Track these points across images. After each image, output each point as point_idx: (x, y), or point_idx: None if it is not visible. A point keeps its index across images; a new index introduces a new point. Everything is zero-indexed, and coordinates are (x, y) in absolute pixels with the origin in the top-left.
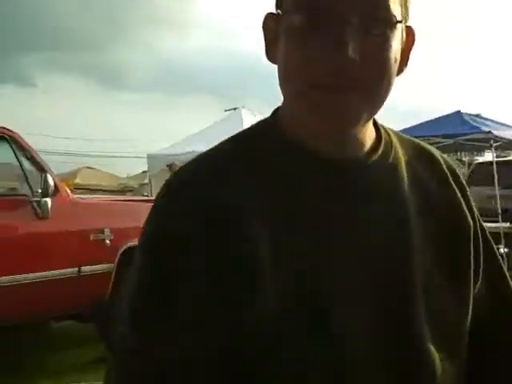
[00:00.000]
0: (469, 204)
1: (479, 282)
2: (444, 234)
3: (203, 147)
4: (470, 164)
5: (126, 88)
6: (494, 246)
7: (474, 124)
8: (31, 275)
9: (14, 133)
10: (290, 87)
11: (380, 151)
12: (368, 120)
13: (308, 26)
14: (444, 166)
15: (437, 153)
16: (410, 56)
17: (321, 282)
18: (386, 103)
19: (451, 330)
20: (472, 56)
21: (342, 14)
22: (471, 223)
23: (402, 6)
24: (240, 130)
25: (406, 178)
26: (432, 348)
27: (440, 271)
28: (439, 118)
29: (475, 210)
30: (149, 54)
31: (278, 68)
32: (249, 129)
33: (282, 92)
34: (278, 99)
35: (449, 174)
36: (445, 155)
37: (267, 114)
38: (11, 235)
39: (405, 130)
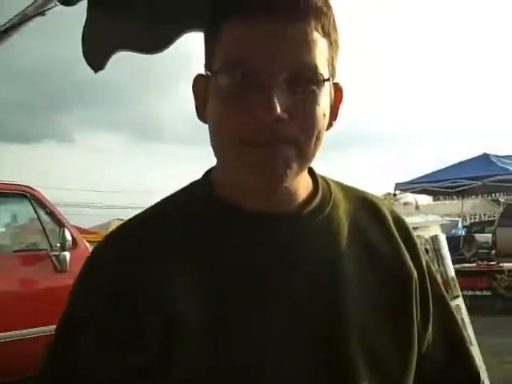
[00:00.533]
0: (415, 253)
1: (429, 327)
2: (383, 282)
3: None
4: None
5: (161, 141)
6: (444, 293)
7: (501, 165)
8: (51, 327)
9: (34, 190)
10: (222, 146)
11: (315, 203)
12: (299, 173)
13: (237, 88)
14: (388, 217)
15: (382, 204)
16: (339, 111)
17: (251, 343)
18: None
19: (392, 373)
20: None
21: (271, 76)
22: (413, 272)
23: (329, 65)
24: None
25: (343, 229)
26: None
27: (378, 317)
28: (466, 160)
29: (423, 259)
30: (184, 107)
31: (209, 127)
32: (180, 191)
33: (214, 150)
34: None
35: (393, 224)
36: (390, 207)
37: None
38: (31, 289)
39: (432, 174)
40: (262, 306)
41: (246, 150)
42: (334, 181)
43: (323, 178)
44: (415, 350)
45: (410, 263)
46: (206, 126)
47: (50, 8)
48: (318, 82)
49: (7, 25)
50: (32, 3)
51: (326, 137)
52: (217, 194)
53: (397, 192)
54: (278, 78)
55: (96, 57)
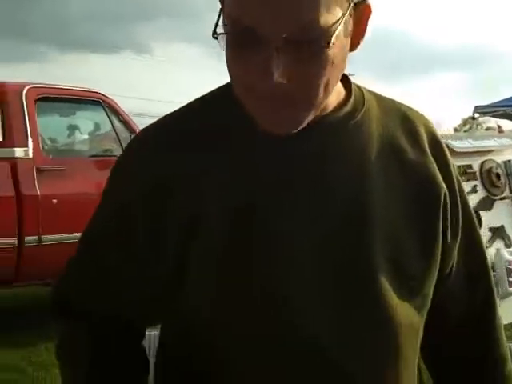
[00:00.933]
0: (447, 171)
1: (456, 245)
2: (412, 192)
3: None
4: None
5: None
6: (474, 221)
7: None
8: None
9: (107, 98)
10: (236, 87)
11: (345, 109)
12: (315, 111)
13: (237, 42)
14: (422, 132)
15: (417, 118)
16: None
17: (276, 252)
18: None
19: (412, 282)
20: None
21: (267, 38)
22: (443, 188)
23: None
24: None
25: (374, 135)
26: (389, 291)
27: (404, 225)
28: None
29: (455, 180)
30: None
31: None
32: (217, 90)
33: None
34: None
35: (426, 140)
36: (426, 122)
37: None
38: None
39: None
40: (290, 215)
41: (258, 103)
42: (369, 91)
43: (358, 86)
44: (437, 263)
45: (440, 179)
46: None
47: None
48: (322, 41)
49: None
50: None
51: (404, 59)
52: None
53: (476, 115)
54: (274, 41)
55: None
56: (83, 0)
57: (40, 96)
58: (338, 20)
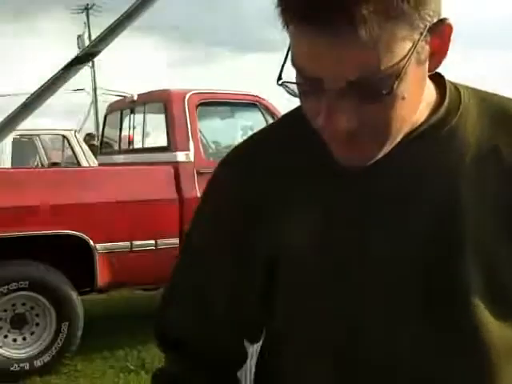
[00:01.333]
0: None
1: None
2: (510, 200)
3: None
4: None
5: None
6: None
7: None
8: None
9: (263, 99)
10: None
11: (439, 114)
12: (394, 140)
13: (303, 90)
14: None
15: None
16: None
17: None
18: None
19: (509, 300)
20: None
21: (329, 85)
22: None
23: (409, 36)
24: None
25: (469, 143)
26: (482, 306)
27: (500, 240)
28: None
29: None
30: None
31: None
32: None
33: None
34: None
35: None
36: None
37: None
38: None
39: None
40: (375, 241)
41: (325, 137)
42: (469, 88)
43: (455, 85)
44: None
45: None
46: None
47: None
48: (388, 82)
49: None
50: None
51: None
52: None
53: None
54: (339, 84)
55: None
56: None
57: (201, 101)
58: (405, 57)
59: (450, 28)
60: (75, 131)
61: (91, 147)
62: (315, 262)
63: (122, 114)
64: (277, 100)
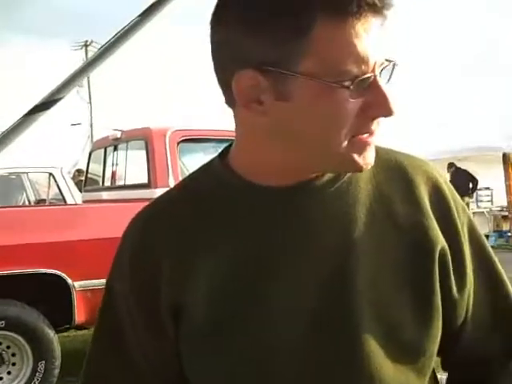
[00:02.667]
0: (450, 221)
1: (465, 294)
2: (404, 254)
3: None
4: None
5: None
6: (493, 258)
7: None
8: None
9: None
10: (333, 137)
11: (329, 174)
12: None
13: (349, 92)
14: (420, 184)
15: (417, 169)
16: None
17: (259, 302)
18: None
19: (408, 345)
20: None
21: (376, 70)
22: (438, 242)
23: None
24: None
25: (363, 195)
26: (378, 358)
27: (395, 289)
28: None
29: (461, 224)
30: None
31: (307, 121)
32: (198, 169)
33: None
34: None
35: (426, 191)
36: (430, 171)
37: None
38: None
39: None
40: (287, 272)
41: (357, 140)
42: None
43: None
44: (438, 320)
45: (436, 232)
46: None
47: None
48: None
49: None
50: None
51: None
52: (236, 174)
53: None
54: (381, 67)
55: None
56: None
57: (183, 138)
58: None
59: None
60: (61, 168)
61: (80, 183)
62: (214, 316)
63: (105, 150)
64: None
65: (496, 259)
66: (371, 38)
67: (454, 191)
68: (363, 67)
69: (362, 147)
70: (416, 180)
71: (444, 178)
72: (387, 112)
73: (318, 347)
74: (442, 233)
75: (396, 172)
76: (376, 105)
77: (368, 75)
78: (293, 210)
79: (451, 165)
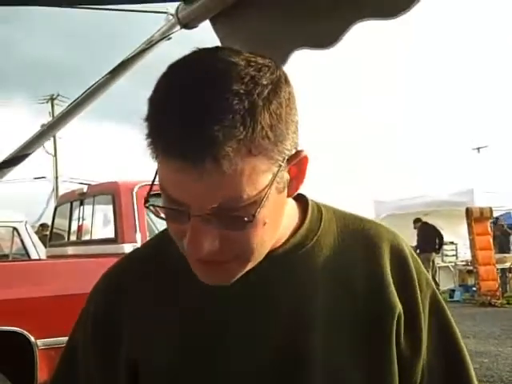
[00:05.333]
0: (409, 290)
1: (420, 360)
2: (360, 320)
3: None
4: None
5: None
6: (453, 329)
7: None
8: None
9: None
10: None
11: (292, 242)
12: (255, 261)
13: (169, 212)
14: (383, 253)
15: (380, 237)
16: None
17: (215, 369)
18: None
19: None
20: None
21: (194, 211)
22: (393, 310)
23: (270, 169)
24: None
25: (319, 267)
26: None
27: (349, 360)
28: None
29: (420, 294)
30: None
31: None
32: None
33: None
34: None
35: (388, 260)
36: (394, 239)
37: None
38: None
39: None
40: (240, 342)
41: (193, 262)
42: (332, 210)
43: (318, 206)
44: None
45: (394, 300)
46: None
47: (174, 32)
48: (250, 211)
49: (135, 52)
50: (157, 30)
51: None
52: None
53: None
54: (203, 211)
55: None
56: None
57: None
58: (266, 188)
59: (306, 159)
60: (25, 222)
61: (44, 238)
62: (168, 378)
63: (71, 205)
64: None
65: (462, 344)
66: (183, 179)
67: (420, 264)
68: (176, 202)
69: (195, 269)
70: (380, 249)
71: (410, 249)
72: (191, 251)
73: None
74: (401, 302)
75: (361, 240)
76: (188, 241)
77: (176, 207)
78: (253, 277)
79: (418, 220)
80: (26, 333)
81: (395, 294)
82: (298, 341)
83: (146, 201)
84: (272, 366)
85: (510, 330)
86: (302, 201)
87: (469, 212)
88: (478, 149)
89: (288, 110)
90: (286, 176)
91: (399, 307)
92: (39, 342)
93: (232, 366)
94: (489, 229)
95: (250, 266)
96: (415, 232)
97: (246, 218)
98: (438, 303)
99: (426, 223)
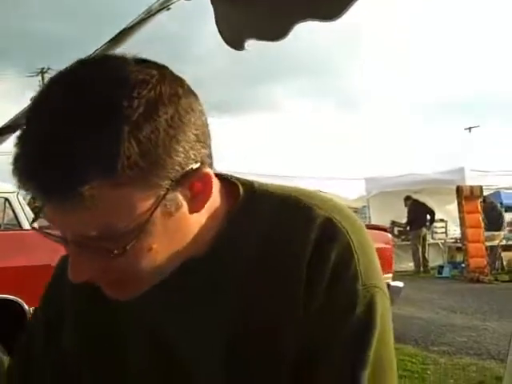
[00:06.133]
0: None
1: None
2: (252, 357)
3: None
4: None
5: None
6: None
7: None
8: None
9: None
10: None
11: (203, 253)
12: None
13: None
14: (304, 244)
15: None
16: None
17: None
18: None
19: None
20: None
21: (68, 237)
22: (290, 350)
23: (153, 185)
24: None
25: (225, 282)
26: None
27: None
28: None
29: (314, 302)
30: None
31: None
32: None
33: None
34: None
35: (308, 251)
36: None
37: None
38: None
39: None
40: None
41: None
42: (270, 191)
43: (254, 193)
44: None
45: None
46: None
47: (173, 3)
48: (120, 244)
49: (135, 21)
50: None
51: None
52: None
53: None
54: (67, 238)
55: (233, 42)
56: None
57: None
58: (146, 213)
59: (208, 176)
60: (18, 193)
61: (36, 209)
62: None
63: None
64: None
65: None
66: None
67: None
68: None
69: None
70: (298, 238)
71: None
72: (71, 276)
73: None
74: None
75: (282, 228)
76: (69, 266)
77: (54, 232)
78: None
79: (408, 197)
80: (20, 301)
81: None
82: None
83: (33, 221)
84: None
85: (497, 306)
86: (234, 198)
87: (459, 190)
88: (470, 128)
89: (171, 131)
90: (181, 196)
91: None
92: (32, 309)
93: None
94: (479, 207)
95: (145, 287)
96: (405, 210)
97: (115, 251)
98: (353, 321)
99: (416, 201)
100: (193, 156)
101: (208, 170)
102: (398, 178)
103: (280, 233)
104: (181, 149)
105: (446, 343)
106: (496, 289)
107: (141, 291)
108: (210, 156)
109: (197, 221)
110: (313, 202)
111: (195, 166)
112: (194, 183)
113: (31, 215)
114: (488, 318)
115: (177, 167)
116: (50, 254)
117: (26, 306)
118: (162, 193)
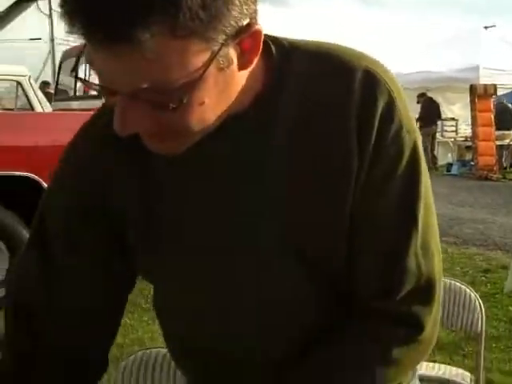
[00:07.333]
0: (366, 141)
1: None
2: (318, 174)
3: None
4: None
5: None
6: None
7: None
8: None
9: None
10: None
11: (253, 107)
12: (203, 132)
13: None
14: (353, 90)
15: (350, 67)
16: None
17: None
18: None
19: (325, 262)
20: None
21: (120, 89)
22: (355, 165)
23: (210, 39)
24: None
25: (281, 120)
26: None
27: (309, 212)
28: None
29: (381, 148)
30: None
31: None
32: None
33: None
34: None
35: (357, 100)
36: (373, 71)
37: None
38: None
39: None
40: (199, 213)
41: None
42: (303, 47)
43: (285, 53)
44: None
45: (351, 148)
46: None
47: None
48: (176, 97)
49: None
50: None
51: None
52: None
53: None
54: (126, 92)
55: None
56: None
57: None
58: (200, 69)
59: (259, 33)
60: (29, 76)
61: (46, 95)
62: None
63: (78, 59)
64: None
65: (419, 217)
66: (103, 58)
67: (399, 111)
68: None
69: (143, 139)
70: (349, 86)
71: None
72: (115, 128)
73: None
74: (360, 152)
75: (328, 77)
76: (114, 117)
77: (103, 84)
78: (207, 144)
79: (422, 94)
80: (37, 178)
81: (355, 142)
82: (257, 205)
83: (76, 75)
84: (230, 233)
85: (505, 202)
86: (268, 57)
87: (473, 89)
88: (486, 27)
89: None
90: (233, 52)
91: (356, 161)
92: None
93: (194, 240)
94: (491, 106)
95: (190, 142)
96: (418, 106)
97: (171, 104)
98: (403, 165)
99: (430, 98)
100: (245, 11)
101: (258, 26)
102: (412, 74)
103: (321, 89)
104: (237, 2)
105: (454, 235)
106: (504, 186)
107: (185, 146)
108: (257, 13)
109: (242, 79)
110: (350, 55)
111: (246, 21)
112: (244, 39)
113: (44, 99)
114: (496, 213)
115: (232, 21)
116: (66, 135)
117: (44, 183)
118: (217, 48)
